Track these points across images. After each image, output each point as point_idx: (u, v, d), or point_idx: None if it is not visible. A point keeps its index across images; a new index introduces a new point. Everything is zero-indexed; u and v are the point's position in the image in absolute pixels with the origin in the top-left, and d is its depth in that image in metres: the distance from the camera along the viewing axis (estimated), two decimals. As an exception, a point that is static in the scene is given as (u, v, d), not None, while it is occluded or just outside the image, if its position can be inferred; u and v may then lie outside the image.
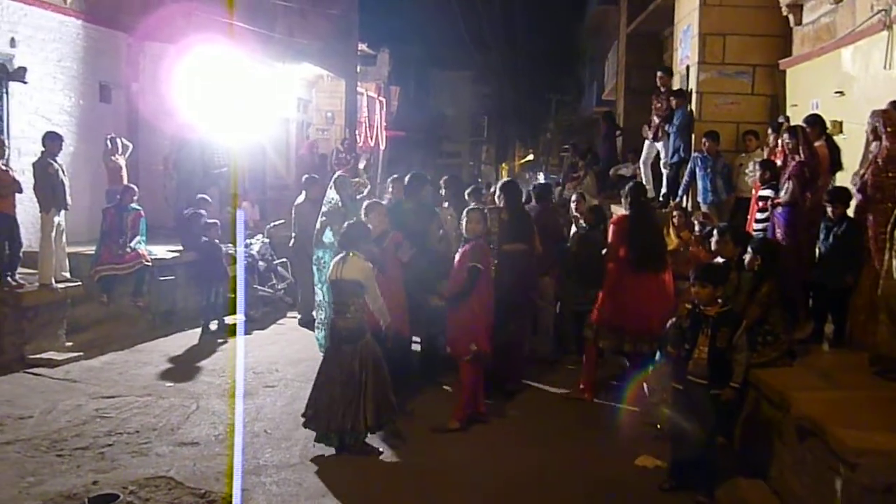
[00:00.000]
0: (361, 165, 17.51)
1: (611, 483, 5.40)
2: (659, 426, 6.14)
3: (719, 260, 6.49)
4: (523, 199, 8.74)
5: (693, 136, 10.65)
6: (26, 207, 8.55)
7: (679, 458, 5.25)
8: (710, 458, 5.14)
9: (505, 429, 6.48)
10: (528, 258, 7.49)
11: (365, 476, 5.43)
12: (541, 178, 37.07)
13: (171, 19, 12.18)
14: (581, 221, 9.06)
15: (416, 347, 7.73)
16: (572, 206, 9.66)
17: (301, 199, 10.07)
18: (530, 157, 54.20)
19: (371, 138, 22.70)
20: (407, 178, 7.85)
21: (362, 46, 22.07)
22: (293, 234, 10.02)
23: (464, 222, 6.56)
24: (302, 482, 5.24)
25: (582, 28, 31.05)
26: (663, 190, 11.20)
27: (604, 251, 7.44)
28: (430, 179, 8.47)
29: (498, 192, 7.75)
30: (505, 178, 8.22)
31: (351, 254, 5.85)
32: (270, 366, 8.04)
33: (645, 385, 7.19)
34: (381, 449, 5.80)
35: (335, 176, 8.74)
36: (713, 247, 6.75)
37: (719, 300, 5.17)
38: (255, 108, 13.72)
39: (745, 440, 5.87)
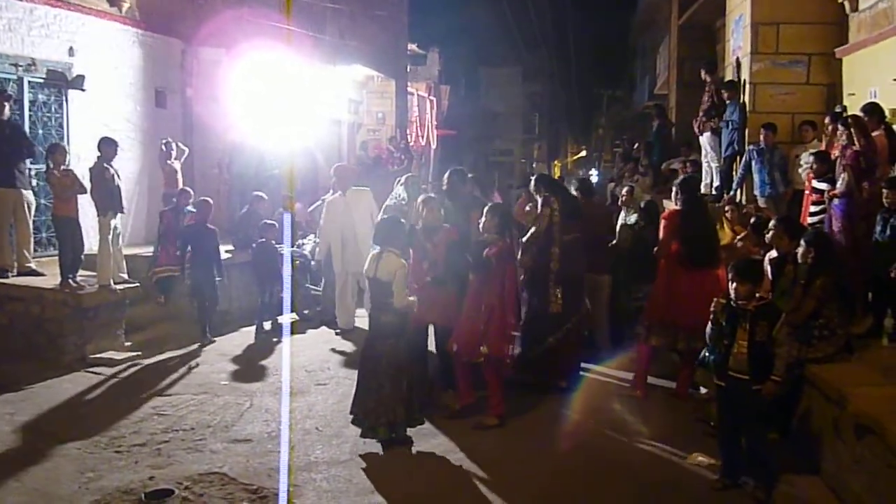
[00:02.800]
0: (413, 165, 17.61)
1: (663, 481, 5.32)
2: (712, 423, 6.04)
3: (772, 254, 6.40)
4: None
5: (747, 129, 10.46)
6: (85, 211, 8.78)
7: (729, 456, 5.16)
8: (761, 455, 5.04)
9: (553, 426, 6.43)
10: (580, 246, 7.45)
11: (412, 473, 5.46)
12: (593, 174, 36.84)
13: (224, 25, 12.38)
14: (628, 214, 9.00)
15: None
16: (620, 199, 9.56)
17: (331, 196, 10.21)
18: (583, 153, 53.86)
19: (422, 138, 22.80)
20: (446, 175, 7.84)
21: (412, 46, 22.16)
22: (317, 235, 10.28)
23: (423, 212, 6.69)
24: (352, 479, 5.28)
25: (633, 21, 30.68)
26: (715, 183, 11.03)
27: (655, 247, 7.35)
28: (470, 175, 8.40)
29: (534, 185, 7.69)
30: (539, 172, 8.14)
31: (386, 251, 5.86)
32: (322, 364, 8.13)
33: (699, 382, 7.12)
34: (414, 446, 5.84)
35: (406, 176, 8.77)
36: (768, 240, 6.64)
37: (757, 295, 5.06)
38: (307, 110, 13.89)
39: (801, 437, 5.75)
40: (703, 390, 6.91)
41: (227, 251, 10.26)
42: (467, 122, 30.53)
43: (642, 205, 9.21)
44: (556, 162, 51.54)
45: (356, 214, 9.44)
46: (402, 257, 5.95)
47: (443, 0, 27.26)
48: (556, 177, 32.61)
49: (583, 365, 7.70)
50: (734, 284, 5.05)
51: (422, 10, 22.51)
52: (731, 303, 5.06)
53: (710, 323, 5.20)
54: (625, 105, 36.96)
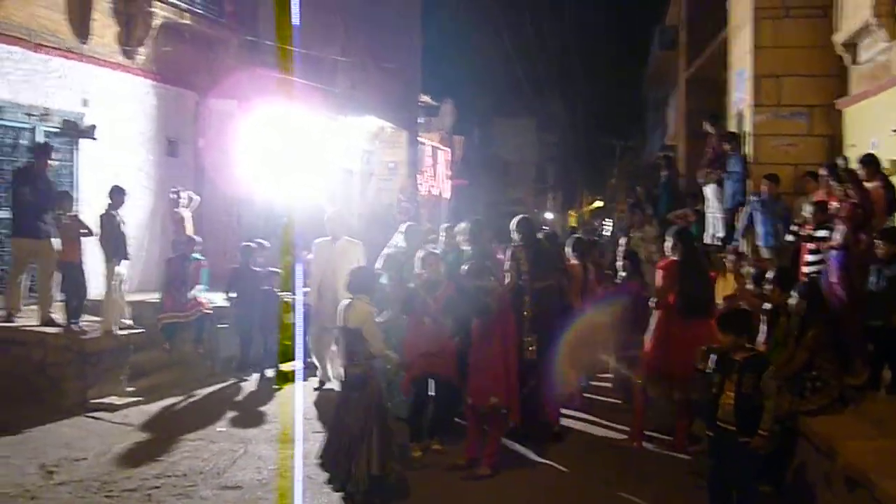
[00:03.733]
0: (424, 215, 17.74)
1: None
2: (703, 475, 5.99)
3: (767, 305, 6.40)
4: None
5: (749, 180, 10.51)
6: (90, 257, 8.92)
7: (717, 509, 5.11)
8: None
9: (546, 474, 6.42)
10: (556, 294, 7.47)
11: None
12: (607, 224, 36.81)
13: (236, 78, 12.68)
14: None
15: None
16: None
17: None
18: (599, 203, 53.89)
19: (435, 187, 23.01)
20: (469, 225, 7.89)
21: (425, 97, 22.49)
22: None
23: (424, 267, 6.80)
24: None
25: (645, 73, 31.01)
26: (719, 234, 11.06)
27: (646, 297, 7.37)
28: (486, 225, 8.49)
29: (513, 229, 7.71)
30: (520, 216, 8.15)
31: (356, 299, 5.83)
32: (321, 412, 8.14)
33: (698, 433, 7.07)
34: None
35: (406, 225, 8.82)
36: (768, 293, 6.66)
37: (745, 346, 5.05)
38: (318, 160, 14.09)
39: (795, 489, 5.69)
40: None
41: (226, 298, 10.34)
42: (481, 172, 30.78)
43: (622, 254, 9.22)
44: (571, 212, 51.62)
45: (342, 265, 8.60)
46: (371, 305, 5.93)
47: (456, 52, 27.71)
48: (570, 226, 32.67)
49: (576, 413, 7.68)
50: (720, 335, 5.06)
51: (435, 62, 22.90)
52: (723, 353, 5.05)
53: (696, 370, 5.20)
54: (637, 155, 37.13)
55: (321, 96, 13.93)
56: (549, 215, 41.96)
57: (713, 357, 5.03)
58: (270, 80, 12.72)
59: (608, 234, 27.07)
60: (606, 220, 43.62)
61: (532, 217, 9.63)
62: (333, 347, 8.85)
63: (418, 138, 20.96)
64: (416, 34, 20.57)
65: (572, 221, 46.66)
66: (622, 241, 14.16)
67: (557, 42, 33.28)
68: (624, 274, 8.63)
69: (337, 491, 5.67)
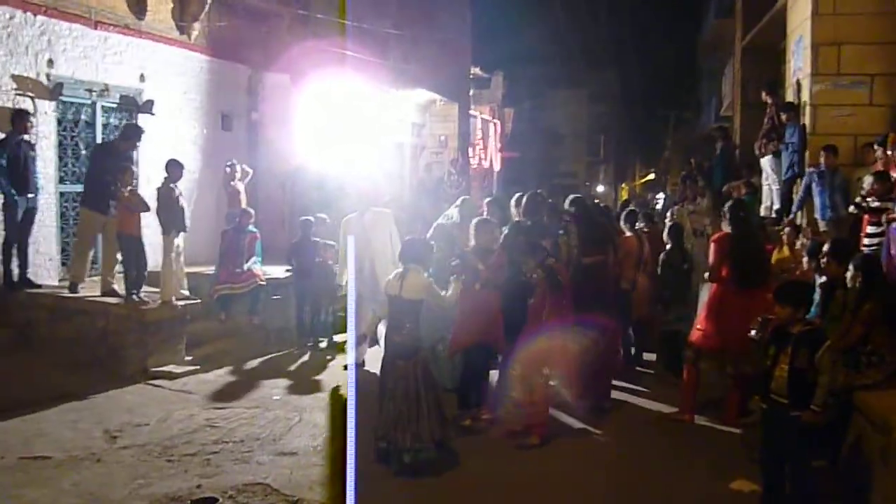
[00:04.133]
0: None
1: (703, 506, 5.28)
2: (756, 448, 5.95)
3: (823, 279, 6.30)
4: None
5: (807, 151, 10.29)
6: (150, 230, 9.15)
7: (770, 482, 5.08)
8: (805, 483, 4.94)
9: (597, 447, 6.45)
10: (603, 269, 7.46)
11: (454, 491, 5.53)
12: (660, 197, 36.35)
13: (289, 51, 12.80)
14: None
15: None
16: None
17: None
18: (651, 175, 53.23)
19: (486, 160, 22.94)
20: (526, 198, 7.92)
21: (476, 70, 22.37)
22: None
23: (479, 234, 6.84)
24: (392, 493, 5.39)
25: (699, 42, 30.38)
26: (776, 206, 10.87)
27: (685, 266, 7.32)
28: (546, 199, 8.49)
29: (568, 206, 7.78)
30: (574, 196, 8.32)
31: (411, 270, 5.88)
32: (374, 382, 8.24)
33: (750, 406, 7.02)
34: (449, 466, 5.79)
35: (462, 198, 8.83)
36: (823, 265, 6.55)
37: (803, 318, 4.98)
38: (370, 133, 14.18)
39: (851, 465, 5.61)
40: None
41: (286, 270, 10.53)
42: (532, 145, 30.61)
43: (667, 227, 9.21)
44: (623, 185, 51.11)
45: (374, 237, 8.80)
46: (427, 275, 6.00)
47: (507, 23, 27.49)
48: (622, 200, 32.35)
49: (627, 386, 7.70)
50: (777, 307, 5.01)
51: (486, 34, 22.77)
52: (780, 325, 5.00)
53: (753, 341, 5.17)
54: (692, 127, 36.49)
55: (373, 69, 13.96)
56: (600, 188, 41.62)
57: (768, 329, 4.98)
58: (323, 54, 12.79)
59: (661, 207, 26.79)
60: (659, 193, 43.16)
61: (585, 194, 9.68)
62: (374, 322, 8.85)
63: (469, 111, 20.88)
64: (467, 5, 20.43)
65: (624, 195, 46.14)
66: (669, 213, 14.11)
67: (611, 10, 32.74)
68: (668, 247, 8.67)
69: (393, 460, 5.74)
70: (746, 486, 5.50)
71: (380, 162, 15.22)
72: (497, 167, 24.29)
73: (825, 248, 6.42)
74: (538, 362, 6.36)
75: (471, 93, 21.48)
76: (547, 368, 6.38)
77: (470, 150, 21.02)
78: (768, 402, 4.95)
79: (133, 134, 9.23)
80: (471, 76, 21.59)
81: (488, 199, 8.41)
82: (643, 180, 54.79)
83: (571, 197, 8.34)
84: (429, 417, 5.70)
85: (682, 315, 8.50)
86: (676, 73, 39.62)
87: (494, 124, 24.36)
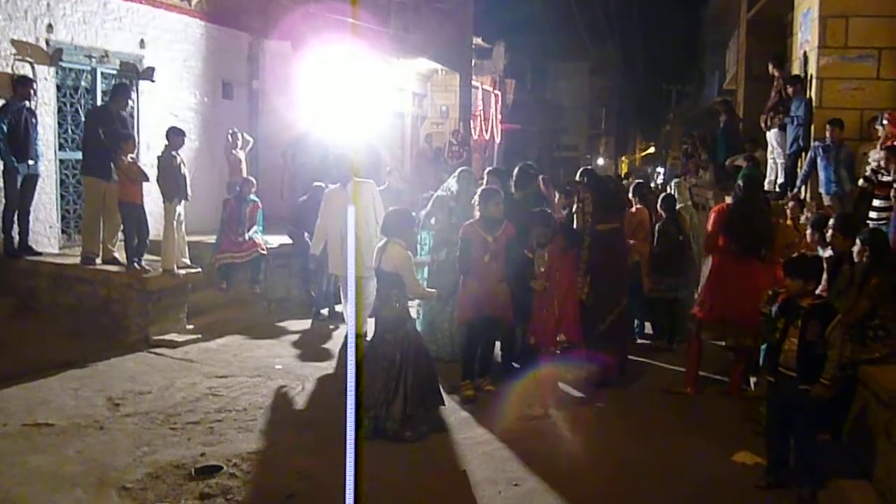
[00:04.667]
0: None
1: (707, 480, 5.26)
2: (761, 421, 5.96)
3: (828, 253, 6.27)
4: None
5: (812, 125, 10.21)
6: (151, 198, 9.09)
7: (774, 455, 5.09)
8: (810, 456, 4.95)
9: (598, 421, 6.44)
10: (619, 237, 7.45)
11: (460, 457, 5.54)
12: (660, 171, 36.29)
13: (290, 18, 12.67)
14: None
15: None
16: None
17: (383, 188, 10.34)
18: (651, 149, 53.07)
19: (486, 131, 22.85)
20: (516, 170, 7.88)
21: (477, 40, 22.23)
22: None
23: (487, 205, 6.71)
24: (390, 458, 5.43)
25: (703, 15, 30.15)
26: (780, 180, 10.81)
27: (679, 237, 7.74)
28: (538, 171, 8.46)
29: (579, 178, 7.78)
30: (583, 168, 8.42)
31: (391, 242, 5.85)
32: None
33: (752, 379, 7.04)
34: (411, 435, 5.77)
35: (460, 169, 8.73)
36: (828, 238, 6.52)
37: (813, 292, 4.95)
38: (371, 102, 14.06)
39: (854, 439, 5.62)
40: (752, 387, 6.86)
41: (289, 236, 10.46)
42: (532, 117, 30.46)
43: (661, 198, 9.23)
44: (623, 158, 50.94)
45: (358, 208, 8.36)
46: (406, 248, 5.94)
47: (510, -7, 27.22)
48: (623, 173, 32.32)
49: (628, 358, 7.70)
50: (786, 280, 4.99)
51: (487, 3, 22.54)
52: (790, 298, 4.98)
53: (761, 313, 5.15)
54: (694, 100, 36.31)
55: (375, 37, 13.84)
56: (601, 161, 41.47)
57: (778, 301, 4.96)
58: (325, 21, 12.67)
59: (661, 180, 26.72)
60: (659, 166, 43.07)
61: (590, 167, 9.70)
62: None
63: (471, 81, 20.76)
64: (470, -27, 20.25)
65: (624, 168, 46.07)
66: (669, 186, 14.08)
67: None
68: (663, 217, 8.72)
69: (374, 428, 5.75)
70: (750, 458, 5.51)
71: (380, 131, 15.14)
72: (497, 139, 24.20)
73: (831, 221, 6.39)
74: (551, 332, 6.36)
75: (472, 63, 21.33)
76: (561, 337, 6.36)
77: (471, 121, 20.92)
78: (776, 375, 4.93)
79: (122, 93, 9.07)
80: (472, 46, 21.43)
81: (489, 170, 8.31)
82: (643, 154, 54.64)
83: (581, 169, 8.35)
84: (410, 389, 5.72)
85: (675, 285, 8.69)
86: (679, 47, 39.31)
87: (495, 95, 24.25)
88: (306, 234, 9.61)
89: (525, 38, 29.55)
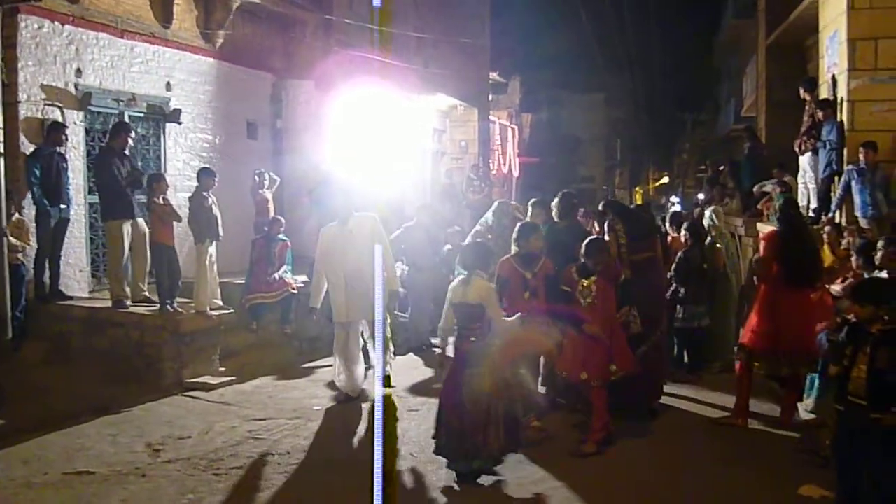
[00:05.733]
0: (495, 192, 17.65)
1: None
2: (821, 453, 5.76)
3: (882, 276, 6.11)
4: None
5: (845, 148, 10.08)
6: (181, 239, 9.03)
7: (846, 487, 4.87)
8: (885, 487, 4.74)
9: (650, 453, 6.25)
10: (655, 266, 7.31)
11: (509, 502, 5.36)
12: (675, 200, 36.20)
13: (312, 58, 12.73)
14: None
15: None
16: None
17: (411, 223, 10.25)
18: (665, 179, 53.08)
19: (504, 165, 22.83)
20: (559, 198, 7.76)
21: (494, 75, 22.28)
22: (403, 262, 10.18)
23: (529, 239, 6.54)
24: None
25: (716, 44, 30.24)
26: (813, 205, 10.66)
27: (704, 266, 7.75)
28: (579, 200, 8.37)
29: (601, 208, 7.81)
30: (607, 199, 8.35)
31: (474, 275, 5.73)
32: (413, 390, 8.11)
33: (801, 408, 6.84)
34: (504, 476, 5.63)
35: (497, 202, 8.59)
36: (878, 261, 6.38)
37: (885, 317, 4.77)
38: (393, 139, 14.05)
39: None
40: (803, 416, 6.67)
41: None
42: (549, 150, 30.48)
43: (685, 225, 9.09)
44: (637, 188, 50.89)
45: (361, 245, 7.59)
46: (489, 280, 5.83)
47: (524, 27, 27.40)
48: (638, 203, 32.22)
49: (672, 392, 7.53)
50: (855, 307, 4.81)
51: (503, 38, 22.65)
52: (858, 323, 4.79)
53: (826, 340, 4.96)
54: (709, 129, 36.30)
55: (396, 74, 13.85)
56: (617, 192, 41.39)
57: (843, 329, 4.79)
58: (346, 60, 12.70)
59: (676, 209, 26.57)
60: (673, 196, 42.97)
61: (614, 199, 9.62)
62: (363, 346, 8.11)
63: (489, 116, 20.78)
64: (485, 9, 20.33)
65: (638, 198, 46.00)
66: (696, 214, 13.94)
67: (620, 14, 32.61)
68: (688, 245, 8.59)
69: (463, 469, 5.57)
70: (816, 491, 5.31)
71: (402, 168, 15.11)
72: (516, 173, 24.17)
73: (883, 243, 6.25)
74: (604, 364, 6.20)
75: (490, 97, 21.38)
76: (613, 368, 6.19)
77: (490, 155, 20.93)
78: (845, 403, 4.74)
79: (121, 129, 8.93)
80: (489, 81, 21.49)
81: (533, 201, 8.13)
82: (657, 184, 54.62)
83: (606, 200, 8.25)
84: (503, 426, 5.54)
85: (696, 314, 8.52)
86: (693, 75, 39.44)
87: (512, 129, 24.26)
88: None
89: (540, 72, 29.68)
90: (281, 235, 10.04)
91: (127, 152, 8.88)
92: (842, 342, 4.74)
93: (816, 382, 6.72)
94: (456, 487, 5.51)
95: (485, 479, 5.60)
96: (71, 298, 8.83)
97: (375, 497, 5.17)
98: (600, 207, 8.23)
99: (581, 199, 9.86)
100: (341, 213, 7.81)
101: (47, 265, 8.61)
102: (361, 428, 6.87)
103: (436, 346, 10.02)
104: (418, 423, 6.96)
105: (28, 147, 8.58)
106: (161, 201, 8.40)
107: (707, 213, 10.63)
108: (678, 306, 8.56)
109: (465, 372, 5.65)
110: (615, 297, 6.45)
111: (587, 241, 6.48)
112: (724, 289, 9.24)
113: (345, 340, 7.74)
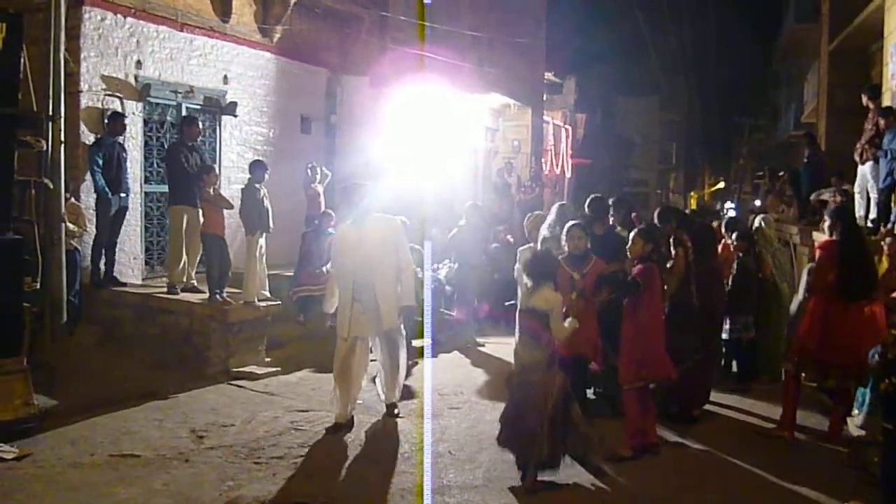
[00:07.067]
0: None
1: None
2: (870, 470, 5.61)
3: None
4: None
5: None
6: (233, 231, 9.17)
7: (894, 505, 4.76)
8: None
9: (692, 462, 6.15)
10: (716, 278, 7.21)
11: (547, 501, 5.32)
12: (730, 206, 35.62)
13: (367, 55, 12.83)
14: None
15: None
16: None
17: (462, 222, 10.25)
18: (721, 184, 52.22)
19: (557, 166, 22.71)
20: (589, 201, 7.71)
21: (548, 75, 22.16)
22: (451, 260, 10.15)
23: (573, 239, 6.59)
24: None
25: (776, 48, 29.63)
26: (872, 215, 10.39)
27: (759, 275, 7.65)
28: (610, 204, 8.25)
29: (656, 217, 7.72)
30: (661, 207, 8.16)
31: (542, 284, 5.62)
32: (455, 388, 8.12)
33: (851, 423, 6.67)
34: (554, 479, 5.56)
35: (559, 203, 8.42)
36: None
37: None
38: (446, 137, 14.08)
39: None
40: (853, 431, 6.50)
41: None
42: (603, 151, 30.21)
43: (734, 234, 8.88)
44: (692, 193, 50.15)
45: (375, 251, 6.62)
46: (556, 290, 5.68)
47: (580, 28, 27.20)
48: (692, 209, 31.75)
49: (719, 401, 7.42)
50: None
51: (559, 38, 22.50)
52: None
53: (877, 356, 4.84)
54: (767, 134, 35.62)
55: (450, 73, 13.87)
56: (671, 196, 40.88)
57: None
58: (401, 57, 12.76)
59: (731, 215, 26.11)
60: (728, 202, 42.27)
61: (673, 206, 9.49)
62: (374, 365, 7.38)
63: (542, 116, 20.68)
64: (541, 9, 20.22)
65: (693, 203, 45.33)
66: (750, 221, 13.69)
67: (675, 16, 32.22)
68: (742, 254, 8.39)
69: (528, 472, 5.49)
70: (862, 509, 5.18)
71: (455, 166, 15.14)
72: (568, 174, 24.02)
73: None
74: (635, 369, 6.13)
75: (544, 97, 21.26)
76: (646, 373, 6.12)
77: (543, 155, 20.83)
78: (894, 421, 4.62)
79: (190, 122, 9.20)
80: (544, 81, 21.38)
81: (590, 199, 7.98)
82: (712, 189, 53.78)
83: (664, 208, 8.14)
84: (570, 431, 5.50)
85: (750, 324, 8.30)
86: (752, 80, 38.71)
87: (566, 130, 24.11)
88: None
89: (595, 73, 29.44)
90: (331, 229, 10.08)
91: (198, 143, 9.11)
92: (893, 360, 4.62)
93: (867, 398, 6.54)
94: (494, 487, 5.48)
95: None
96: (125, 285, 9.05)
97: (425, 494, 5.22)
98: (657, 215, 8.07)
99: (633, 202, 9.75)
100: (358, 211, 6.77)
101: (104, 252, 8.82)
102: (402, 423, 6.87)
103: (481, 345, 10.09)
104: (458, 420, 6.98)
105: (88, 136, 8.80)
106: (212, 192, 8.53)
107: (756, 220, 10.41)
108: (726, 316, 8.39)
109: (529, 379, 5.57)
110: (659, 300, 6.38)
111: None
112: (773, 299, 9.03)
113: (344, 355, 6.80)
